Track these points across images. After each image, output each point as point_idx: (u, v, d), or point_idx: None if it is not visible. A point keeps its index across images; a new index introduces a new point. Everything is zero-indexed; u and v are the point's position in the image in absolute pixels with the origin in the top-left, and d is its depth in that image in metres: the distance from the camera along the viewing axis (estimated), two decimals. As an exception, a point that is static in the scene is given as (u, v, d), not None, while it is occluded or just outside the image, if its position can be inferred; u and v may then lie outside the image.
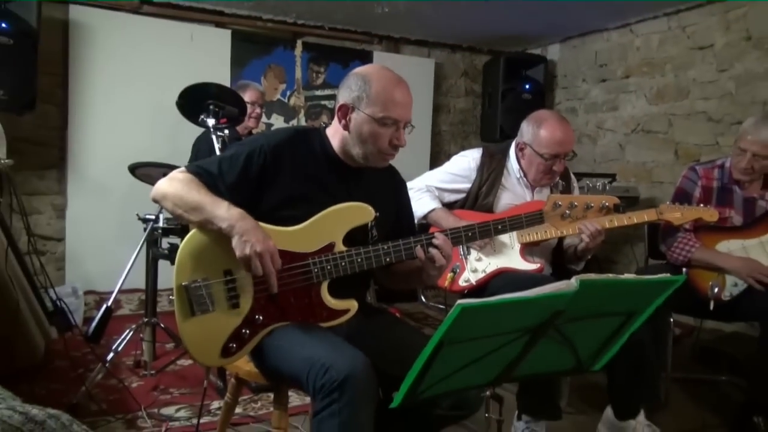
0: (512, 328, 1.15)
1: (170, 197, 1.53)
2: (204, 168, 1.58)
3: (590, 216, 1.94)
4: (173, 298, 1.51)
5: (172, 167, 2.43)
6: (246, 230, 1.45)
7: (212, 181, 1.55)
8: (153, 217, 2.82)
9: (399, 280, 1.79)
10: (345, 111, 1.61)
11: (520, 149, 2.40)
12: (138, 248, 2.79)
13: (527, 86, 4.91)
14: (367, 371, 1.38)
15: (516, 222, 1.83)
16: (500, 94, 4.87)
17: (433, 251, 1.60)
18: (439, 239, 1.61)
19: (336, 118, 1.64)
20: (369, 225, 1.64)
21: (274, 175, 1.59)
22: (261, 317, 1.54)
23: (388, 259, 1.60)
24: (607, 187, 2.06)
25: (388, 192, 1.79)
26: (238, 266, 1.50)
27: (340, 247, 1.59)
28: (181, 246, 1.53)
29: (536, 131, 2.32)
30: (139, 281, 3.04)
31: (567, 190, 2.47)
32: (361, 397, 1.35)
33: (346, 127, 1.61)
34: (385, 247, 1.60)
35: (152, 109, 4.03)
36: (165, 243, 2.86)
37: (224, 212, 1.47)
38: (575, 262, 2.42)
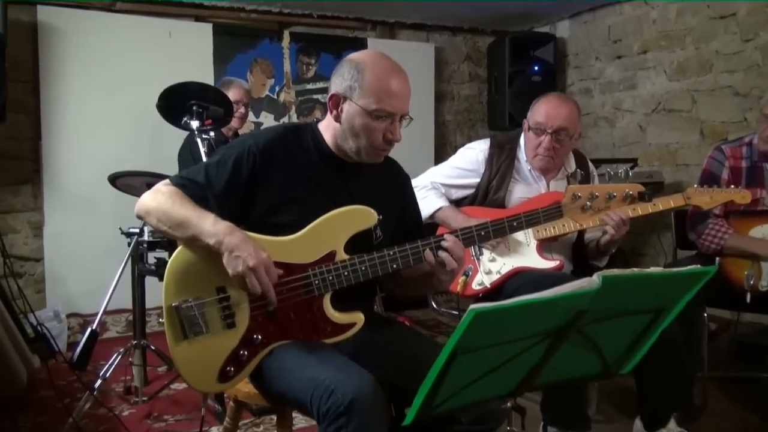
0: (531, 332, 1.14)
1: (154, 213, 1.53)
2: (190, 178, 1.58)
3: (613, 207, 1.94)
4: (163, 320, 1.52)
5: (155, 175, 2.43)
6: (235, 245, 1.44)
7: (200, 192, 1.55)
8: (137, 230, 2.82)
9: (408, 287, 1.79)
10: (336, 101, 1.61)
11: (524, 132, 2.43)
12: (122, 265, 2.80)
13: (536, 68, 4.91)
14: (374, 392, 1.38)
15: (532, 217, 1.83)
16: (507, 77, 4.87)
17: (443, 254, 1.60)
18: (448, 241, 1.61)
19: (328, 110, 1.65)
20: (372, 227, 1.64)
21: (266, 177, 1.59)
22: (259, 337, 1.54)
23: (394, 266, 1.60)
24: (630, 173, 2.06)
25: (392, 188, 1.79)
26: (232, 282, 1.50)
27: (341, 255, 1.59)
28: (169, 264, 1.53)
29: (532, 107, 2.39)
30: (126, 300, 3.05)
31: (586, 179, 2.47)
32: (370, 421, 1.34)
33: (337, 119, 1.62)
34: (391, 253, 1.60)
35: (131, 114, 4.04)
36: (151, 258, 2.87)
37: (210, 227, 1.46)
38: (598, 257, 2.42)
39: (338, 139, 1.64)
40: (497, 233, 1.74)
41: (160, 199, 1.53)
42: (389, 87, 1.56)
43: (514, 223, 1.78)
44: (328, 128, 1.67)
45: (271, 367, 1.55)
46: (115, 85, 4.07)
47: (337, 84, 1.61)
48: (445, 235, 1.63)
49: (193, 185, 1.56)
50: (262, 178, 1.59)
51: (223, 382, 1.54)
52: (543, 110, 2.34)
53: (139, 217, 1.59)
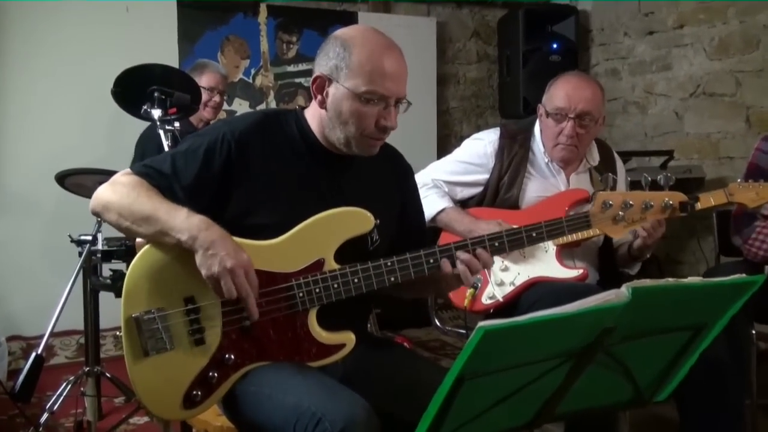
0: (551, 353, 1.15)
1: (114, 207, 1.53)
2: (154, 167, 1.58)
3: (650, 218, 1.96)
4: (121, 334, 1.51)
5: (112, 173, 2.43)
6: (212, 242, 1.45)
7: (165, 183, 1.56)
8: (89, 237, 2.82)
9: (408, 291, 1.79)
10: (321, 84, 1.62)
11: (539, 118, 2.44)
12: (72, 278, 2.79)
13: (555, 45, 4.92)
14: (368, 420, 1.38)
15: (555, 228, 1.84)
16: (521, 57, 4.89)
17: (460, 267, 1.61)
18: (463, 256, 1.62)
19: (312, 94, 1.65)
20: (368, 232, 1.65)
21: (242, 171, 1.59)
22: (232, 356, 1.54)
23: (392, 279, 1.60)
24: (667, 173, 2.06)
25: (391, 183, 1.80)
26: (202, 292, 1.51)
27: (331, 264, 1.59)
28: (131, 267, 1.53)
29: (549, 88, 2.41)
30: (76, 321, 3.04)
31: (611, 170, 2.47)
32: (364, 454, 1.35)
33: (322, 105, 1.63)
34: (389, 263, 1.60)
35: (83, 103, 4.03)
36: (106, 270, 2.85)
37: (182, 221, 1.47)
38: (629, 264, 2.42)
39: (325, 128, 1.64)
40: (513, 245, 1.75)
41: (120, 191, 1.53)
42: (381, 66, 1.57)
43: (533, 234, 1.79)
44: (314, 116, 1.67)
45: (246, 392, 1.55)
46: (63, 72, 4.05)
47: (322, 64, 1.61)
48: (458, 254, 1.63)
49: (158, 175, 1.57)
50: (238, 171, 1.59)
51: (189, 408, 1.53)
52: (563, 92, 2.35)
53: (96, 214, 1.58)
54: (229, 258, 1.44)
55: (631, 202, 1.93)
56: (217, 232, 1.47)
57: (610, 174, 2.24)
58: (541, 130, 2.45)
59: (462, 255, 1.63)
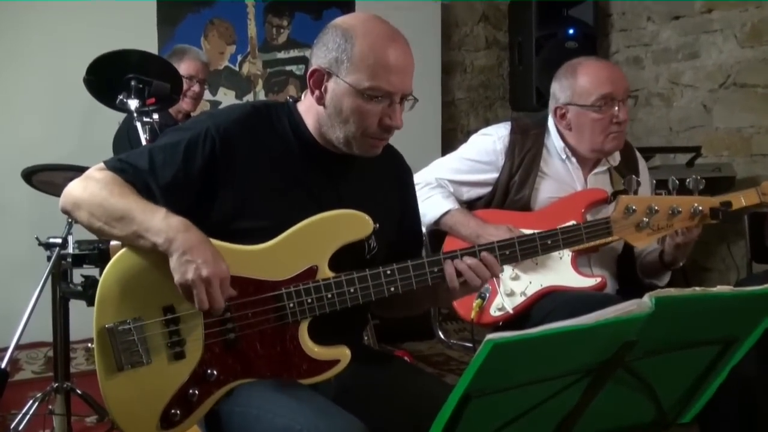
0: (566, 369, 1.15)
1: (85, 205, 1.53)
2: (130, 162, 1.59)
3: (677, 225, 1.96)
4: (93, 346, 1.52)
5: (84, 169, 2.43)
6: (190, 246, 1.45)
7: (141, 180, 1.56)
8: (59, 240, 2.82)
9: (402, 306, 1.80)
10: (319, 78, 1.62)
11: (560, 117, 2.44)
12: (40, 285, 2.78)
13: (571, 31, 4.93)
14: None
15: (572, 236, 1.85)
16: (534, 43, 4.90)
17: (466, 272, 1.62)
18: (469, 261, 1.63)
19: (308, 89, 1.66)
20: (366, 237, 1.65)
21: (227, 169, 1.60)
22: (215, 372, 1.55)
23: (392, 289, 1.61)
24: (696, 175, 2.07)
25: (391, 185, 1.81)
26: (183, 301, 1.51)
27: (325, 272, 1.59)
28: (105, 273, 1.53)
29: (572, 81, 2.39)
30: (44, 332, 3.03)
31: (633, 171, 2.47)
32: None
33: (320, 101, 1.63)
34: (389, 272, 1.60)
35: (52, 93, 4.02)
36: (77, 276, 2.86)
37: (160, 222, 1.47)
38: (659, 274, 2.42)
39: (323, 126, 1.65)
40: (526, 253, 1.75)
41: (92, 188, 1.54)
42: (386, 59, 1.58)
43: (549, 242, 1.79)
44: (309, 111, 1.68)
45: (230, 412, 1.55)
46: (29, 56, 4.04)
47: (320, 56, 1.62)
48: (463, 252, 1.64)
49: (135, 171, 1.57)
50: (222, 170, 1.59)
51: (167, 429, 1.53)
52: (601, 77, 2.35)
53: (66, 212, 1.59)
54: (206, 266, 1.44)
55: (656, 208, 1.93)
56: (196, 235, 1.48)
57: (633, 176, 2.24)
58: (561, 133, 2.45)
59: (468, 259, 1.63)
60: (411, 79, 1.63)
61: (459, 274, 1.63)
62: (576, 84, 2.38)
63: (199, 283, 1.44)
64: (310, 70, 1.64)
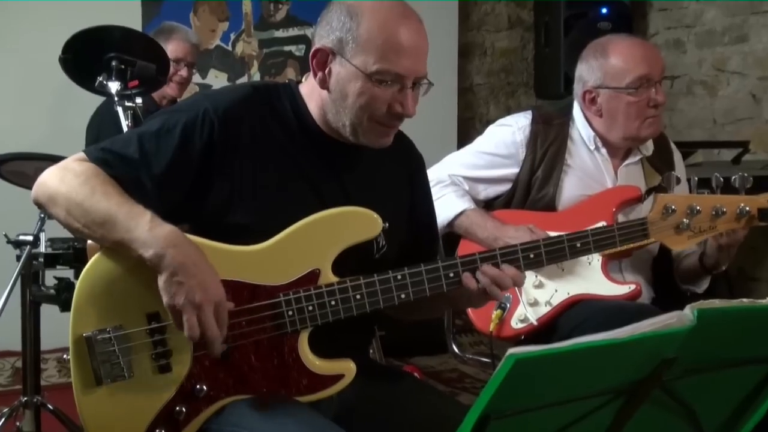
0: (596, 389, 1.15)
1: (62, 201, 1.53)
2: (116, 152, 1.58)
3: (721, 227, 1.97)
4: (68, 357, 1.52)
5: (57, 159, 2.45)
6: (180, 265, 1.44)
7: (130, 173, 1.55)
8: (30, 237, 2.82)
9: (413, 311, 1.80)
10: (323, 59, 1.63)
11: (590, 102, 2.44)
12: (8, 288, 2.78)
13: (604, 10, 4.92)
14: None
15: (604, 238, 1.85)
16: (563, 23, 4.89)
17: (484, 281, 1.62)
18: (490, 271, 1.63)
19: (311, 71, 1.67)
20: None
21: (226, 156, 1.60)
22: (205, 387, 1.55)
23: (402, 296, 1.61)
24: (743, 172, 2.07)
25: (402, 178, 1.82)
26: None
27: (328, 276, 1.60)
28: (82, 275, 1.53)
29: (603, 62, 2.39)
30: (12, 339, 3.06)
31: (668, 166, 2.48)
32: None
33: (324, 84, 1.64)
34: (399, 277, 1.61)
35: (23, 73, 4.04)
36: (50, 278, 2.87)
37: (145, 232, 1.46)
38: (698, 279, 2.42)
39: (327, 113, 1.66)
40: (552, 257, 1.76)
41: (71, 181, 1.52)
42: (397, 39, 1.58)
43: (578, 245, 1.80)
44: (312, 94, 1.68)
45: (222, 432, 1.56)
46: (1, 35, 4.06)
47: (324, 35, 1.63)
48: (484, 267, 1.64)
49: (122, 162, 1.56)
50: (220, 157, 1.60)
51: None
52: (636, 56, 2.36)
53: (39, 205, 1.59)
54: (199, 291, 1.44)
55: (698, 208, 1.94)
56: (188, 250, 1.47)
57: (673, 173, 2.24)
58: (588, 120, 2.45)
59: (487, 269, 1.63)
60: (425, 62, 1.63)
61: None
62: (607, 64, 2.38)
63: (189, 309, 1.44)
64: (312, 49, 1.65)
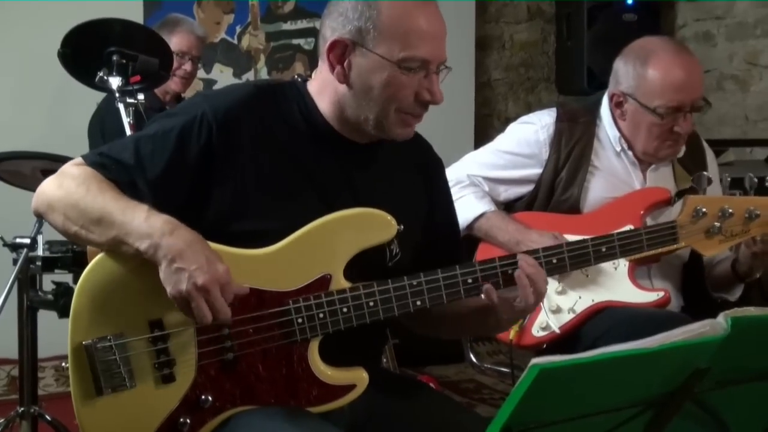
0: (624, 401, 1.15)
1: (59, 206, 1.54)
2: (112, 156, 1.59)
3: (755, 231, 1.96)
4: (67, 365, 1.53)
5: (56, 158, 2.46)
6: (179, 251, 1.45)
7: (126, 176, 1.57)
8: (27, 240, 2.83)
9: (446, 327, 1.80)
10: (341, 52, 1.63)
11: (616, 104, 2.43)
12: (5, 293, 2.80)
13: (629, 1, 4.93)
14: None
15: (631, 242, 1.85)
16: (586, 15, 4.89)
17: (523, 282, 1.61)
18: (527, 264, 1.63)
19: (325, 65, 1.66)
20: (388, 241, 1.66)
21: (226, 161, 1.61)
22: (210, 398, 1.55)
23: (418, 303, 1.61)
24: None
25: (418, 180, 1.82)
26: (173, 314, 1.52)
27: (340, 282, 1.60)
28: (81, 280, 1.54)
29: (641, 72, 2.35)
30: (9, 347, 3.06)
31: (701, 166, 2.47)
32: None
33: (343, 79, 1.64)
34: (415, 283, 1.61)
35: (20, 68, 4.06)
36: (48, 282, 2.88)
37: (142, 223, 1.47)
38: (730, 287, 2.41)
39: (347, 109, 1.66)
40: (577, 262, 1.76)
41: (68, 186, 1.54)
42: (419, 24, 1.60)
43: (603, 249, 1.80)
44: (323, 91, 1.69)
45: (228, 446, 1.56)
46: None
47: (339, 26, 1.63)
48: (521, 256, 1.65)
49: (118, 166, 1.58)
50: (220, 162, 1.60)
51: None
52: (677, 81, 2.30)
53: (38, 215, 1.60)
54: (201, 273, 1.44)
55: (730, 210, 1.93)
56: (185, 236, 1.48)
57: (704, 173, 2.23)
58: (616, 120, 2.44)
59: (526, 263, 1.63)
60: (444, 45, 1.65)
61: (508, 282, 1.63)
62: (644, 77, 2.34)
63: (195, 293, 1.44)
64: (329, 42, 1.64)
